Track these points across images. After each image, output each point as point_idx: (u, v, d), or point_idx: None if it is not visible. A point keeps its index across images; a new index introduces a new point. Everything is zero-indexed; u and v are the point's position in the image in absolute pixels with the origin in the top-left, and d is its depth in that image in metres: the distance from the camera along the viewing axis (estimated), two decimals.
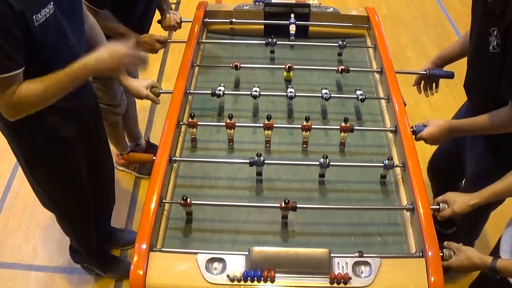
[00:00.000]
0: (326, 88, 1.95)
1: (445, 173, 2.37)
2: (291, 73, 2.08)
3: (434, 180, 2.48)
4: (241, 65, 2.04)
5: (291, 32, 2.24)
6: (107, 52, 1.57)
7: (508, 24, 1.59)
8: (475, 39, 1.82)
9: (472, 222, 2.30)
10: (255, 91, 1.91)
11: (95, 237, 2.27)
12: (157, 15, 2.47)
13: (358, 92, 1.94)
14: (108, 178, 2.30)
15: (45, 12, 1.48)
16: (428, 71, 2.12)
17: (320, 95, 1.92)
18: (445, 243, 1.52)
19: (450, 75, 2.14)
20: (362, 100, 1.92)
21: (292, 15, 2.26)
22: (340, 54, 2.23)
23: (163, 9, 2.46)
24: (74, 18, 1.67)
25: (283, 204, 1.51)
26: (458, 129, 1.82)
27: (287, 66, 2.05)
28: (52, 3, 1.51)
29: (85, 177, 1.99)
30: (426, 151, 2.95)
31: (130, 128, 2.90)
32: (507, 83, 1.66)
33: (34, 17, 1.45)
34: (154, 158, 1.64)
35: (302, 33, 2.31)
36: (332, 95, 1.93)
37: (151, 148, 3.04)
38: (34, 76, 1.50)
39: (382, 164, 1.66)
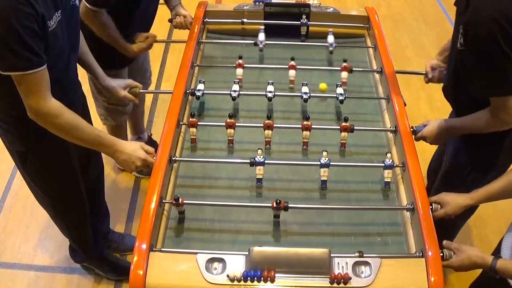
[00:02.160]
0: (306, 85, 1.95)
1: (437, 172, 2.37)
2: (326, 85, 2.01)
3: (430, 181, 2.48)
4: (244, 65, 2.04)
5: (302, 33, 2.26)
6: (129, 156, 1.68)
7: (466, 23, 1.59)
8: (452, 38, 1.83)
9: (448, 227, 2.29)
10: (234, 90, 1.91)
11: (92, 237, 2.27)
12: (167, 14, 2.46)
13: (339, 91, 1.94)
14: (99, 180, 2.30)
15: (55, 19, 1.53)
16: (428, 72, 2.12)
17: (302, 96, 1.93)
18: (444, 242, 1.52)
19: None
20: (341, 102, 1.92)
21: (304, 16, 2.27)
22: (331, 53, 2.22)
23: (172, 6, 2.42)
24: (73, 27, 1.71)
25: (274, 204, 1.51)
26: (456, 128, 1.82)
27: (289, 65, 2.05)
28: (60, 11, 1.56)
29: (79, 174, 1.99)
30: (426, 151, 2.95)
31: (136, 121, 2.91)
32: (478, 84, 1.67)
33: (48, 22, 1.49)
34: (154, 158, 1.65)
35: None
36: (323, 95, 1.97)
37: (152, 145, 3.04)
38: None
39: (383, 164, 1.66)
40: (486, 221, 2.74)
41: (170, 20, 2.42)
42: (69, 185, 1.98)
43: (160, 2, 2.39)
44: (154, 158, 1.66)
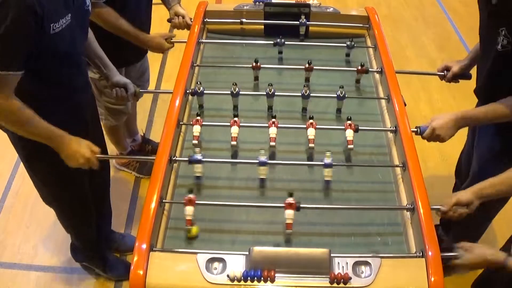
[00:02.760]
0: (306, 86, 1.94)
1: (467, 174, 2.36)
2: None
3: (459, 180, 2.47)
4: (258, 65, 2.04)
5: (301, 32, 2.26)
6: (74, 152, 1.70)
7: None
8: (484, 40, 1.83)
9: (473, 226, 2.29)
10: (234, 88, 1.91)
11: (95, 235, 2.27)
12: (167, 14, 2.46)
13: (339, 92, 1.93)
14: (104, 180, 2.30)
15: (62, 22, 1.54)
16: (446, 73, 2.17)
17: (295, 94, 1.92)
18: (458, 244, 1.51)
19: (468, 77, 2.18)
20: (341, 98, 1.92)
21: (303, 17, 2.27)
22: (348, 55, 2.22)
23: (169, 5, 2.43)
24: (84, 29, 1.73)
25: (290, 200, 1.51)
26: (467, 117, 1.82)
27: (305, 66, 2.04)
28: (70, 15, 1.56)
29: (83, 173, 1.99)
30: (426, 151, 2.95)
31: (130, 123, 2.91)
32: None
33: (51, 25, 1.49)
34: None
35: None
36: (323, 95, 1.97)
37: (147, 143, 3.05)
38: (39, 81, 1.54)
39: (322, 163, 1.65)
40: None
41: (169, 20, 2.43)
42: (73, 184, 1.98)
43: (158, 2, 2.40)
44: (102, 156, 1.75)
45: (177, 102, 1.82)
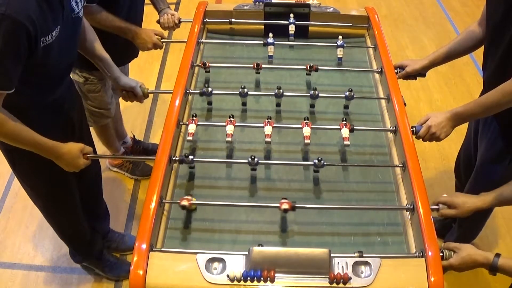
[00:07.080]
0: (315, 89, 1.94)
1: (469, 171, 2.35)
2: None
3: (459, 180, 2.46)
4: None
5: (290, 32, 2.25)
6: (67, 160, 1.73)
7: None
8: (495, 28, 1.78)
9: (473, 222, 2.29)
10: (243, 87, 1.91)
11: (90, 237, 2.26)
12: (155, 15, 2.46)
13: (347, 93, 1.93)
14: (96, 181, 2.30)
15: (52, 35, 1.54)
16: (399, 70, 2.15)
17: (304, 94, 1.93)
18: (443, 244, 1.52)
19: (423, 75, 2.17)
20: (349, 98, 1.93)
21: (292, 15, 2.27)
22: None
23: (160, 8, 2.44)
24: (75, 36, 1.73)
25: (285, 205, 1.51)
26: (460, 112, 1.81)
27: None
28: (59, 27, 1.56)
29: (70, 175, 1.98)
30: (426, 151, 2.95)
31: (117, 127, 2.89)
32: None
33: (42, 39, 1.50)
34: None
35: (302, 33, 2.31)
36: (326, 95, 1.97)
37: (138, 144, 3.04)
38: (21, 85, 1.53)
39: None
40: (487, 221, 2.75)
41: (158, 21, 2.43)
42: (58, 185, 1.97)
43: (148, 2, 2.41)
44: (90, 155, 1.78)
45: (177, 102, 1.82)
